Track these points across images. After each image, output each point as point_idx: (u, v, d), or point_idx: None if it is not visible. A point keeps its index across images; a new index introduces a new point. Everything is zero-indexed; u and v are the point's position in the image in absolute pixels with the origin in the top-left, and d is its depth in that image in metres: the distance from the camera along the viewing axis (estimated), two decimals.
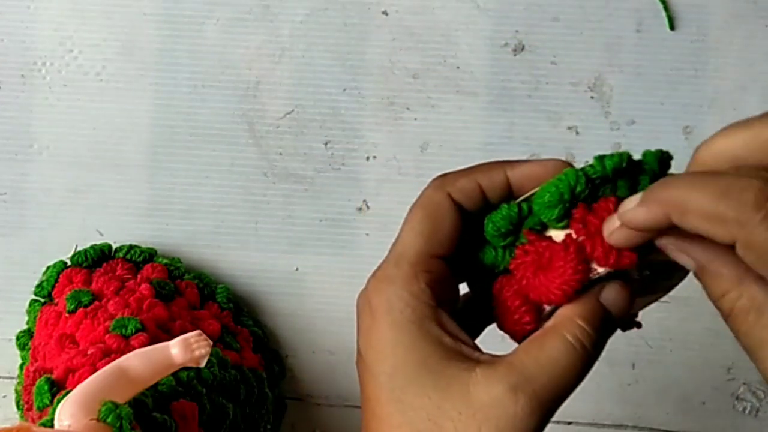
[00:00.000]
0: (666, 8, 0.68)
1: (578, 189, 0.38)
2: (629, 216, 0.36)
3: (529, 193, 0.41)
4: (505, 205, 0.41)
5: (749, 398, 0.71)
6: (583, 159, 0.69)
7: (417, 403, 0.38)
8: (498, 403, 0.37)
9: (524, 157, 0.69)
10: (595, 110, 0.69)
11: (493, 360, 0.38)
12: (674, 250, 0.37)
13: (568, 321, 0.38)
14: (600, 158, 0.39)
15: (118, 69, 0.69)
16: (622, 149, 0.70)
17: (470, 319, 0.42)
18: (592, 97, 0.69)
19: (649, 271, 0.41)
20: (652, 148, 0.39)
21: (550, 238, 0.40)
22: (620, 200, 0.38)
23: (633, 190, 0.38)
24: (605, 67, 0.69)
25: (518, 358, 0.38)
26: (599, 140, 0.69)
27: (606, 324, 0.39)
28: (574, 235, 0.39)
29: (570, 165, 0.40)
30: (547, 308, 0.40)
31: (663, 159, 0.39)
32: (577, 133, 0.69)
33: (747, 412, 0.71)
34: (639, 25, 0.69)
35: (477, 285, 0.43)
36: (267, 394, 0.64)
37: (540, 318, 0.40)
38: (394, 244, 0.41)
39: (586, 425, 0.71)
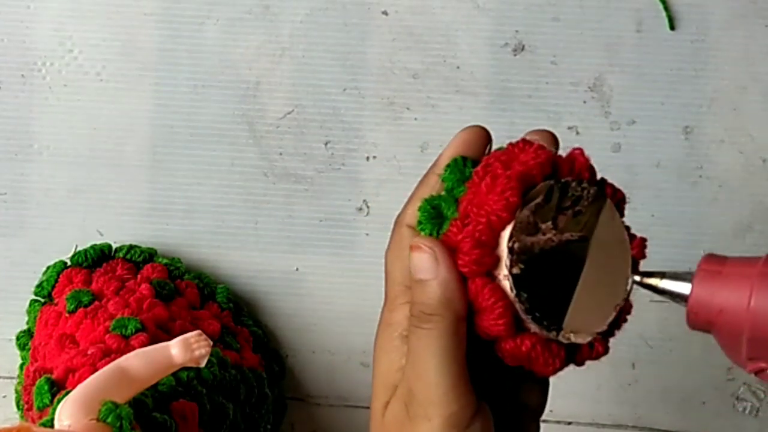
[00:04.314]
0: (666, 8, 0.68)
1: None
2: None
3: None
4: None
5: (749, 398, 0.71)
6: None
7: None
8: None
9: None
10: (595, 110, 0.69)
11: None
12: None
13: None
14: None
15: (118, 69, 0.69)
16: (623, 149, 0.71)
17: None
18: (592, 97, 0.69)
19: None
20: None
21: None
22: None
23: None
24: (605, 67, 0.69)
25: None
26: (599, 140, 0.69)
27: None
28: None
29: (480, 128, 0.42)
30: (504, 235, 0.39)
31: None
32: (577, 133, 0.69)
33: (747, 412, 0.71)
34: (639, 25, 0.69)
35: None
36: (267, 394, 0.64)
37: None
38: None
39: (586, 425, 0.71)
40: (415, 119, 0.70)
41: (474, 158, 0.41)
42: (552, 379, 0.42)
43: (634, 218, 0.42)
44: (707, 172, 0.69)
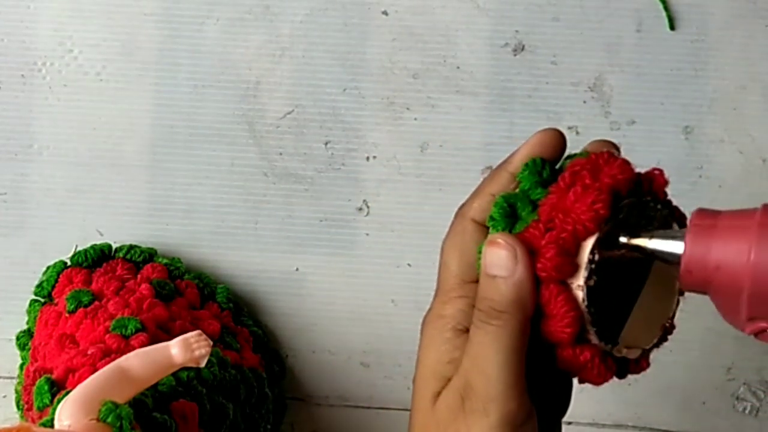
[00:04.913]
0: (666, 8, 0.68)
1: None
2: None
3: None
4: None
5: (749, 398, 0.71)
6: None
7: None
8: None
9: None
10: (595, 110, 0.69)
11: None
12: None
13: None
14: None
15: (118, 69, 0.69)
16: (623, 149, 0.70)
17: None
18: (592, 97, 0.69)
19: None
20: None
21: None
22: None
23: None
24: (605, 67, 0.69)
25: None
26: None
27: None
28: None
29: (555, 130, 0.41)
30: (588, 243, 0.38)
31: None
32: (577, 133, 0.69)
33: (747, 412, 0.71)
34: (639, 25, 0.69)
35: None
36: (267, 394, 0.64)
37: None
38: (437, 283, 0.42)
39: (586, 425, 0.71)
40: (415, 119, 0.70)
41: (550, 161, 0.41)
42: None
43: None
44: (707, 172, 0.69)
